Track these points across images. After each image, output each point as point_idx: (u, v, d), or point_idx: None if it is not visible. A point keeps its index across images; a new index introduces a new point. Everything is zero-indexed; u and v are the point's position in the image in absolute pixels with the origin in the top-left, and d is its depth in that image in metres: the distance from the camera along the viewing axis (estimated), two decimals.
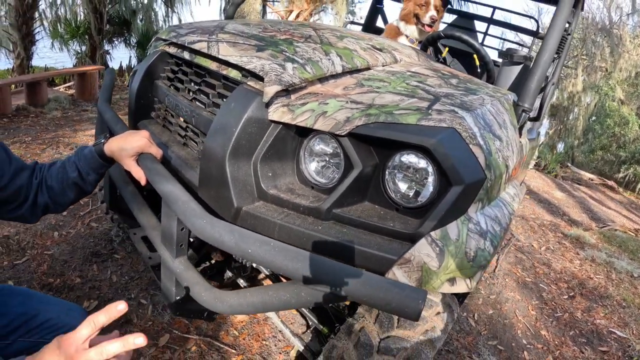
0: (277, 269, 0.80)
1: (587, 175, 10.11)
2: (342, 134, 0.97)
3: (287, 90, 1.08)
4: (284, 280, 1.85)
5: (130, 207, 1.44)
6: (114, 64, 11.04)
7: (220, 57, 1.21)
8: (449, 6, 2.90)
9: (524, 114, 1.42)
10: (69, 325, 1.33)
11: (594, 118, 13.43)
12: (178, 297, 1.26)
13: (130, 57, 11.41)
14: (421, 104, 1.05)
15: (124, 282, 2.32)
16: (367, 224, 0.96)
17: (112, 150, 1.26)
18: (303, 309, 1.52)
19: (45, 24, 9.55)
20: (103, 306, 2.04)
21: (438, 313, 1.21)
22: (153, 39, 1.80)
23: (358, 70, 1.27)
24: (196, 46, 1.33)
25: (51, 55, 10.21)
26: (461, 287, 0.92)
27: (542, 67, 1.41)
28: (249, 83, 1.12)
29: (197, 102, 1.38)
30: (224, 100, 1.26)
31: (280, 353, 1.98)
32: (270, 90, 1.03)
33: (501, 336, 2.57)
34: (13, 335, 1.25)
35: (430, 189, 0.99)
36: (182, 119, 1.46)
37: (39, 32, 8.93)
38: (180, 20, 12.13)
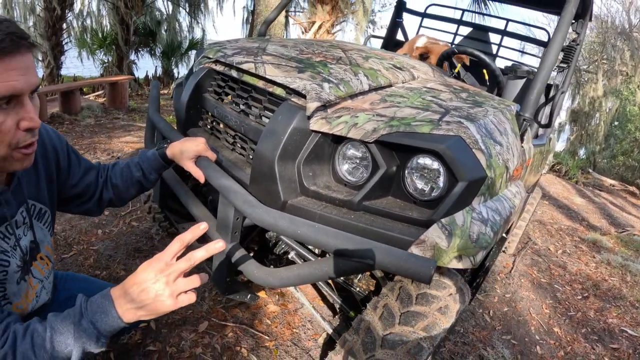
0: (320, 246, 1.02)
1: (608, 181, 10.05)
2: (370, 141, 1.19)
3: (325, 106, 1.30)
4: None
5: (184, 203, 1.64)
6: (139, 74, 11.34)
7: (267, 77, 1.43)
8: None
9: (524, 122, 1.61)
10: None
11: (615, 123, 13.26)
12: (229, 279, 1.48)
13: (157, 67, 11.81)
14: (433, 117, 1.26)
15: None
16: (390, 213, 1.18)
17: (173, 154, 1.44)
18: (333, 296, 1.73)
19: (72, 34, 9.90)
20: None
21: (451, 294, 1.41)
22: (200, 57, 2.00)
23: (381, 88, 1.49)
24: (244, 66, 1.55)
25: (77, 64, 10.54)
26: (466, 263, 1.13)
27: (541, 81, 1.60)
28: (292, 99, 1.35)
29: (244, 114, 1.60)
30: (267, 112, 1.49)
31: (309, 340, 2.16)
32: (312, 106, 1.26)
33: (515, 331, 2.71)
34: None
35: (441, 185, 1.19)
36: (230, 128, 1.68)
37: (67, 42, 9.29)
38: (203, 31, 12.53)
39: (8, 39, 0.82)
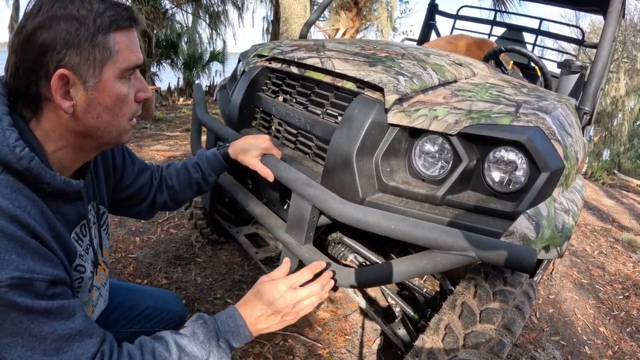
0: (417, 240, 1.00)
1: (634, 181, 9.90)
2: (453, 133, 1.17)
3: (401, 99, 1.28)
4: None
5: (244, 205, 1.59)
6: (161, 86, 11.50)
7: (337, 71, 1.41)
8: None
9: (585, 116, 1.60)
10: (167, 310, 1.46)
11: (638, 123, 13.07)
12: None
13: (178, 79, 11.93)
14: (509, 109, 1.25)
15: (209, 283, 2.49)
16: (474, 207, 1.16)
17: (236, 153, 1.38)
18: (396, 298, 1.70)
19: None
20: (190, 305, 2.28)
21: (523, 290, 1.39)
22: (250, 56, 1.96)
23: (448, 82, 1.48)
24: (309, 61, 1.53)
25: None
26: (553, 253, 1.11)
27: (598, 74, 1.60)
28: (366, 93, 1.33)
29: (308, 110, 1.57)
30: (334, 108, 1.48)
31: (362, 346, 2.14)
32: (391, 98, 1.24)
33: (562, 332, 2.68)
34: (115, 326, 1.33)
35: (522, 177, 1.18)
36: (291, 125, 1.65)
37: None
38: (224, 43, 12.68)
39: (132, 13, 0.86)
